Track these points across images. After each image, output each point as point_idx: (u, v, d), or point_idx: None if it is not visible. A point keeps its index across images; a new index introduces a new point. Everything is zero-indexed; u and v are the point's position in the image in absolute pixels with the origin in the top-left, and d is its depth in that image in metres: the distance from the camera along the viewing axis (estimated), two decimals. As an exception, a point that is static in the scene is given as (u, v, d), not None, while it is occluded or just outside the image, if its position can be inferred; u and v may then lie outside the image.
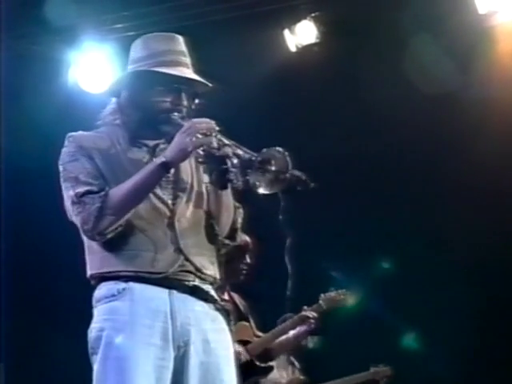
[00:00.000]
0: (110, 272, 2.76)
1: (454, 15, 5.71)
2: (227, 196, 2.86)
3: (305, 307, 4.86)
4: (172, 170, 2.83)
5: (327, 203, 6.10)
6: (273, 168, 2.68)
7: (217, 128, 2.73)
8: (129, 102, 2.87)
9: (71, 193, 2.78)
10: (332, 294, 5.04)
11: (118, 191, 2.74)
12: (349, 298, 5.09)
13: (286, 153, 2.69)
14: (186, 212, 2.84)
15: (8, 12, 6.08)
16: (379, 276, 6.42)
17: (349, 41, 6.12)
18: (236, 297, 4.69)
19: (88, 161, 2.81)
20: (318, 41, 6.13)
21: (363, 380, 5.30)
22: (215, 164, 2.74)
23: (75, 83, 6.41)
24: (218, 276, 2.88)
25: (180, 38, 2.94)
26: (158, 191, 2.82)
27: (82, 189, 2.76)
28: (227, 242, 2.91)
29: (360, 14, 6.02)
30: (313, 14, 6.08)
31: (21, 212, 6.49)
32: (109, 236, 2.74)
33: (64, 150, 2.86)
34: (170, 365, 2.70)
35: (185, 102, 2.84)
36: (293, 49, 6.19)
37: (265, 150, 2.69)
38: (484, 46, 5.76)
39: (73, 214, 2.79)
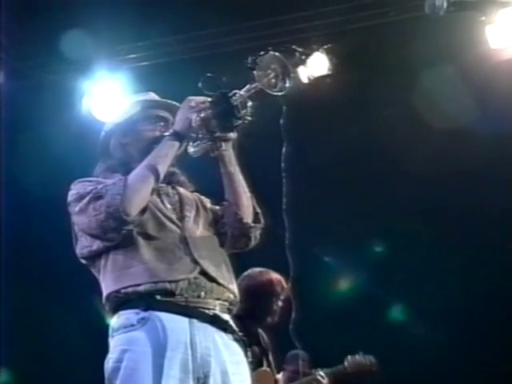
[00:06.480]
0: (126, 287, 2.72)
1: (466, 49, 5.73)
2: (238, 176, 2.94)
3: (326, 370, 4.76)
4: (176, 197, 2.93)
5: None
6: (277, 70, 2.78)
7: (209, 99, 2.85)
8: (119, 145, 2.99)
9: (90, 196, 2.77)
10: (358, 358, 4.91)
11: (136, 170, 2.82)
12: (375, 365, 4.92)
13: (273, 53, 2.83)
14: (196, 230, 2.89)
15: (23, 42, 6.15)
16: (370, 255, 6.58)
17: (361, 73, 6.16)
18: (261, 335, 4.51)
19: (100, 183, 2.84)
20: (330, 72, 6.16)
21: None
22: (219, 111, 2.80)
23: (89, 112, 6.45)
24: (236, 291, 2.87)
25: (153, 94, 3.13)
26: (166, 212, 2.87)
27: (101, 187, 2.79)
28: (253, 224, 2.95)
29: (372, 46, 6.05)
30: (325, 46, 6.12)
31: (33, 241, 6.50)
32: (134, 216, 2.72)
33: (70, 192, 2.88)
34: None
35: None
36: (305, 80, 6.22)
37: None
38: (496, 81, 5.77)
39: (93, 214, 2.73)
